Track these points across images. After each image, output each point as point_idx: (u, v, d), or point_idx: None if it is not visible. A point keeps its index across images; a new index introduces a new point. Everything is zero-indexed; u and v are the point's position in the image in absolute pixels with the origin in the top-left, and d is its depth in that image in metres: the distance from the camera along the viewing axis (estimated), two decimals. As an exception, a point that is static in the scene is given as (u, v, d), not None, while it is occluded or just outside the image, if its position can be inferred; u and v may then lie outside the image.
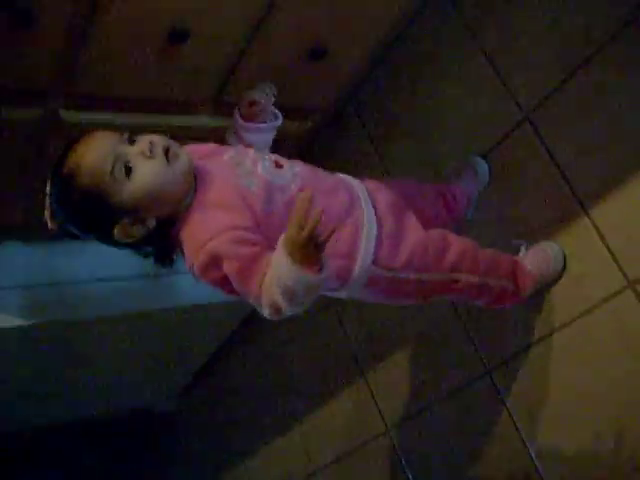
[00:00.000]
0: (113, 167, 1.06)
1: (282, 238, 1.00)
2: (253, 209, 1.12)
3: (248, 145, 1.31)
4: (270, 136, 1.36)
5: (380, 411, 2.10)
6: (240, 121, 1.31)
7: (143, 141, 1.10)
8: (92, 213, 1.09)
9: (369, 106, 2.00)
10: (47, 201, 1.12)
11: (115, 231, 1.10)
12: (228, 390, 2.92)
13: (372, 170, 1.96)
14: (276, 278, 1.01)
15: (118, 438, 3.42)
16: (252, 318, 2.56)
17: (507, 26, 1.63)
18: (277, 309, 1.04)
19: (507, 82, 1.64)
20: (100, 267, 1.96)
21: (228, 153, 1.23)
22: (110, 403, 3.05)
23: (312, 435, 2.45)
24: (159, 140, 1.10)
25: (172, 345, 2.59)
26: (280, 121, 1.35)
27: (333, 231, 0.99)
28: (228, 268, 1.07)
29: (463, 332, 1.78)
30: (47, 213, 1.12)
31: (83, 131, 1.11)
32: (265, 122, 1.33)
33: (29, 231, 1.86)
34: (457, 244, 1.36)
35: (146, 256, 1.18)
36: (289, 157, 1.29)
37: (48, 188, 1.11)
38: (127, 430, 3.38)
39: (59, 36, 1.29)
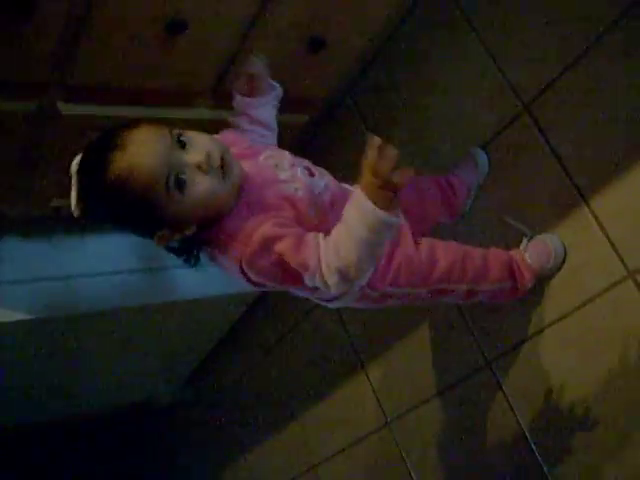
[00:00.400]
0: (168, 179, 1.00)
1: (358, 188, 0.99)
2: (298, 210, 1.12)
3: (260, 123, 1.30)
4: (275, 109, 1.34)
5: (380, 403, 2.10)
6: (246, 99, 1.29)
7: (199, 151, 1.04)
8: (136, 220, 1.06)
9: (367, 99, 2.00)
10: (76, 184, 1.05)
11: (155, 237, 1.07)
12: (228, 384, 2.93)
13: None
14: (355, 232, 0.99)
15: (118, 432, 3.43)
16: (253, 312, 2.57)
17: (506, 18, 1.63)
18: (346, 273, 1.01)
19: (506, 73, 1.63)
20: (99, 261, 1.95)
21: (263, 153, 1.21)
22: (110, 397, 3.06)
23: (313, 428, 2.46)
24: (216, 151, 1.06)
25: (172, 339, 2.60)
26: (280, 89, 1.33)
27: (410, 174, 0.96)
28: (281, 246, 1.04)
29: (463, 324, 1.78)
30: (75, 197, 1.05)
31: (94, 129, 1.05)
32: (268, 93, 1.32)
33: (29, 225, 1.87)
34: (444, 258, 1.35)
35: (171, 251, 1.15)
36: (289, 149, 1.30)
37: (78, 172, 1.04)
38: (127, 424, 3.39)
39: (58, 27, 1.28)
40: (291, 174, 1.16)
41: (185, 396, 3.24)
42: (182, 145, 1.04)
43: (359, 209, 0.99)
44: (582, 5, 1.48)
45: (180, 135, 1.05)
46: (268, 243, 1.05)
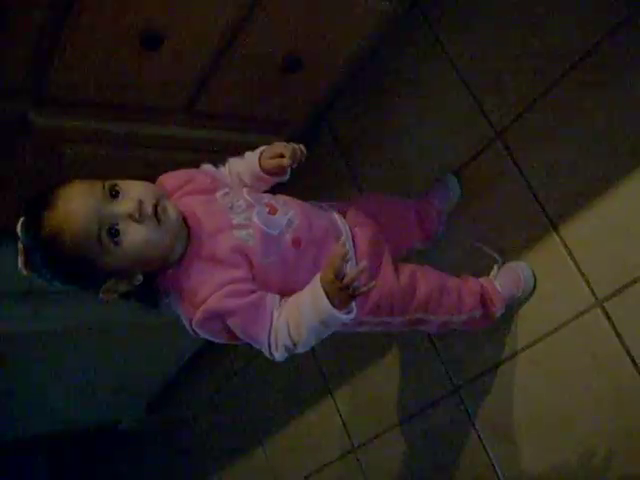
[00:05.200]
0: (99, 232, 1.00)
1: (318, 280, 1.03)
2: (250, 262, 1.11)
3: (242, 180, 1.28)
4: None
5: (347, 429, 2.08)
6: (258, 169, 1.26)
7: (130, 200, 1.03)
8: (76, 275, 1.04)
9: (341, 121, 2.00)
10: (20, 246, 1.04)
11: (101, 290, 1.06)
12: (194, 408, 2.88)
13: (344, 185, 1.96)
14: (305, 315, 1.03)
15: (79, 455, 3.36)
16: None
17: (480, 45, 1.64)
18: (292, 350, 1.07)
19: (479, 100, 1.65)
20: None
21: (221, 190, 1.20)
22: (72, 419, 2.99)
23: (279, 453, 2.43)
24: (147, 197, 1.04)
25: (137, 362, 2.55)
26: (287, 177, 1.30)
27: (373, 285, 1.03)
28: (231, 322, 1.07)
29: (432, 350, 1.77)
30: (21, 259, 1.03)
31: (59, 179, 1.04)
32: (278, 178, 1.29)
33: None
34: (423, 288, 1.35)
35: (125, 298, 1.13)
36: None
37: (21, 234, 1.03)
38: (89, 447, 3.33)
39: (31, 39, 1.26)
40: (246, 217, 1.14)
41: (149, 420, 3.18)
42: (115, 195, 1.04)
43: (314, 301, 1.03)
44: (555, 35, 1.50)
45: (114, 186, 1.04)
46: (218, 316, 1.07)
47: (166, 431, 3.10)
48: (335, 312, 1.02)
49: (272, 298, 1.09)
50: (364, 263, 1.03)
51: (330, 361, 2.14)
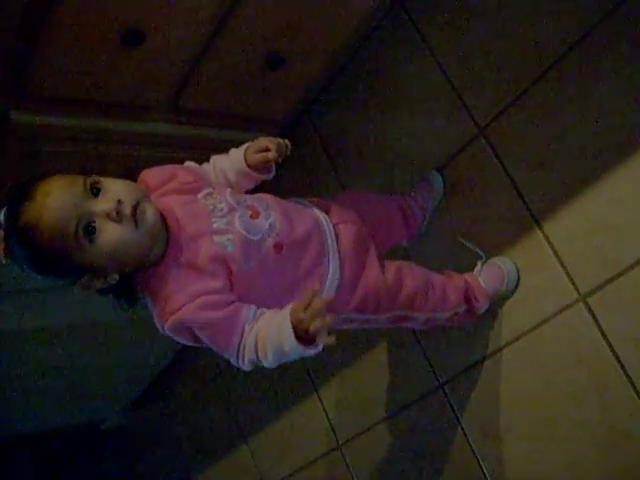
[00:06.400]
0: (76, 228, 0.99)
1: (289, 311, 1.02)
2: (229, 269, 1.10)
3: (227, 178, 1.27)
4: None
5: (332, 426, 2.08)
6: (243, 164, 1.25)
7: (109, 199, 1.02)
8: (51, 267, 1.03)
9: (325, 118, 2.00)
10: (1, 233, 1.03)
11: (76, 285, 1.05)
12: (178, 406, 2.87)
13: (328, 181, 1.96)
14: (272, 341, 1.03)
15: (63, 454, 3.34)
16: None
17: (463, 42, 1.65)
18: (257, 364, 1.09)
19: (463, 97, 1.65)
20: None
21: (203, 191, 1.19)
22: (53, 418, 2.97)
23: (264, 452, 2.43)
24: (127, 197, 1.03)
25: (121, 358, 2.54)
26: (272, 175, 1.29)
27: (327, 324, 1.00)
28: (201, 333, 1.08)
29: (417, 346, 1.78)
30: (2, 246, 1.03)
31: (40, 171, 1.03)
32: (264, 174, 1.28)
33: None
34: (410, 285, 1.35)
35: (102, 294, 1.12)
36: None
37: (3, 221, 1.03)
38: (72, 446, 3.30)
39: (11, 33, 1.25)
40: (227, 222, 1.13)
41: (131, 419, 3.17)
42: (96, 192, 1.03)
43: (281, 331, 1.02)
44: (537, 31, 1.51)
45: (95, 183, 1.03)
46: (188, 327, 1.07)
47: (151, 429, 3.09)
48: (299, 347, 1.01)
49: (247, 311, 1.08)
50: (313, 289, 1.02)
51: (315, 358, 2.12)
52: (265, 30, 1.54)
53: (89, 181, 1.03)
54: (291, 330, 1.00)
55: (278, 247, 1.16)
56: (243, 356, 1.08)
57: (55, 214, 0.98)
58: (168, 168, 1.22)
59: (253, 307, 1.09)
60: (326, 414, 2.10)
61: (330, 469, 2.10)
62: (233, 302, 1.09)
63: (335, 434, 2.07)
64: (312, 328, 0.97)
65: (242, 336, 1.07)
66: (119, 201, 1.02)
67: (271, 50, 1.59)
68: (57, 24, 1.27)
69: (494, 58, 1.59)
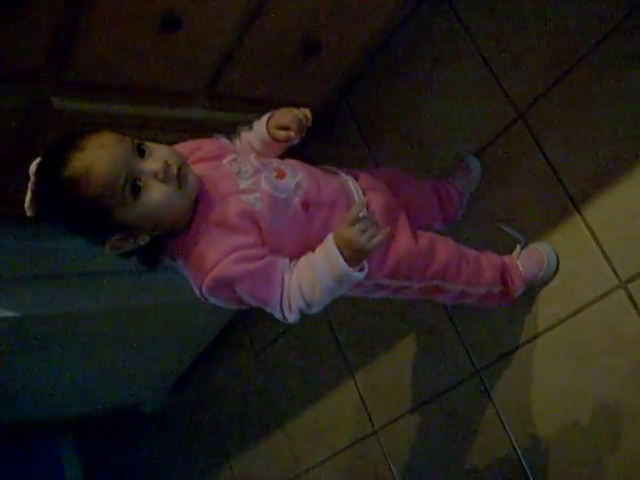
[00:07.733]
0: (125, 183, 1.01)
1: (331, 239, 1.05)
2: (259, 227, 1.11)
3: (253, 148, 1.29)
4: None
5: (368, 412, 2.09)
6: (266, 135, 1.27)
7: (157, 160, 1.05)
8: (87, 222, 1.04)
9: (362, 103, 1.99)
10: (31, 185, 1.04)
11: (106, 243, 1.06)
12: (214, 391, 2.91)
13: (363, 165, 1.94)
14: (321, 280, 1.05)
15: (102, 436, 3.40)
16: (241, 317, 2.55)
17: (502, 26, 1.63)
18: (306, 311, 1.09)
19: (501, 81, 1.63)
20: (85, 261, 1.93)
21: (228, 157, 1.20)
22: (96, 401, 3.02)
23: (299, 437, 2.44)
24: (173, 160, 1.06)
25: (159, 343, 2.57)
26: (297, 141, 1.29)
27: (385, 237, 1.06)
28: (241, 288, 1.08)
29: (453, 332, 1.77)
30: (29, 197, 1.05)
31: (87, 125, 1.06)
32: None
33: (18, 222, 1.84)
34: (443, 254, 1.35)
35: (127, 256, 1.13)
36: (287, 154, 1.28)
37: (35, 172, 1.04)
38: (112, 429, 3.36)
39: (52, 20, 1.27)
40: (253, 182, 1.14)
41: (171, 402, 3.21)
42: (141, 153, 1.05)
43: (329, 260, 1.05)
44: (577, 14, 1.48)
45: (140, 144, 1.06)
46: (227, 283, 1.07)
47: (189, 413, 3.12)
48: (349, 270, 1.03)
49: (282, 261, 1.10)
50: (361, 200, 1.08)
51: (351, 343, 2.14)
52: (301, 15, 1.54)
53: (136, 142, 1.06)
54: (338, 254, 1.03)
55: (305, 205, 1.17)
56: (289, 305, 1.08)
57: (107, 166, 1.00)
58: (193, 141, 1.25)
59: (287, 259, 1.11)
60: (362, 399, 2.11)
61: (365, 455, 2.10)
62: (267, 255, 1.09)
63: (371, 419, 2.08)
64: (364, 238, 1.02)
65: (283, 285, 1.08)
66: (166, 162, 1.04)
67: (307, 35, 1.59)
68: (97, 10, 1.29)
69: (533, 42, 1.57)
